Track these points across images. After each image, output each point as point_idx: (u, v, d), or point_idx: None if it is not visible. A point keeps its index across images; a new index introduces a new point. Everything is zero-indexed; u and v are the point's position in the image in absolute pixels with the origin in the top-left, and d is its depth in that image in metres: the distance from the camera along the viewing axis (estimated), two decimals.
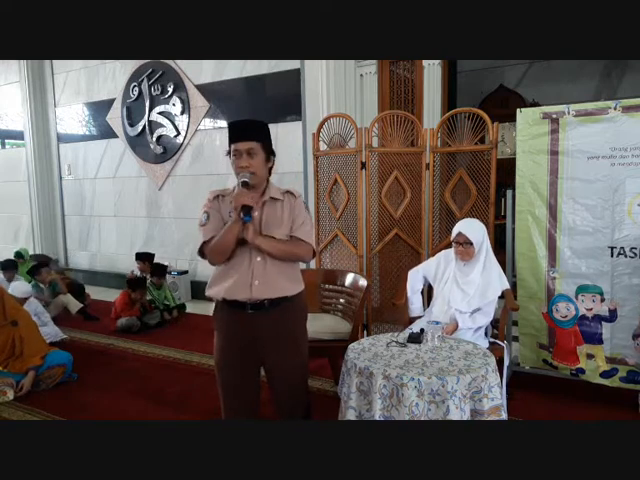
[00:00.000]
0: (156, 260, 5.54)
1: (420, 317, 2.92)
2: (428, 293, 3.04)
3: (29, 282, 4.82)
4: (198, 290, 5.76)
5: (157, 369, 3.76)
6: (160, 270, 5.19)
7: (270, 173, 2.08)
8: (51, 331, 4.14)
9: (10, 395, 3.20)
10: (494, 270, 2.77)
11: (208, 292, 2.07)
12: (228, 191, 2.07)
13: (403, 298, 2.98)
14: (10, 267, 5.23)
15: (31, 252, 6.74)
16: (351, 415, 2.09)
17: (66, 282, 5.49)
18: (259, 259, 1.98)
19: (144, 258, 5.46)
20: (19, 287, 4.07)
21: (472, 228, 2.78)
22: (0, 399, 3.17)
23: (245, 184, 1.93)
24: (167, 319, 4.94)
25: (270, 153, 2.02)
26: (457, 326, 2.67)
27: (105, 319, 4.90)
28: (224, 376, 2.11)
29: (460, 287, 2.77)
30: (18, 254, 5.97)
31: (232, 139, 1.98)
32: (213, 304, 2.12)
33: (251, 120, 2.08)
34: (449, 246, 2.98)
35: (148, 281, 5.06)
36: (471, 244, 2.73)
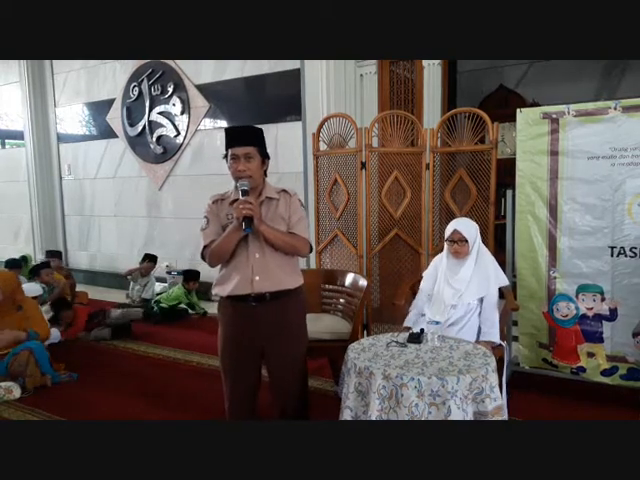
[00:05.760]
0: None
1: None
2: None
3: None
4: (198, 290, 5.74)
5: (157, 369, 3.76)
6: (192, 275, 5.21)
7: (265, 174, 2.19)
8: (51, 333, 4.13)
9: (16, 394, 3.21)
10: (489, 267, 2.77)
11: (214, 290, 2.21)
12: (227, 195, 2.19)
13: (403, 298, 2.98)
14: (14, 266, 5.24)
15: (31, 252, 6.74)
16: (347, 415, 2.09)
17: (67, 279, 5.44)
18: (257, 256, 2.10)
19: (146, 258, 5.58)
20: (29, 287, 4.14)
21: (467, 226, 2.79)
22: (5, 397, 3.17)
23: (245, 192, 2.04)
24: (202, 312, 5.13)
25: (265, 157, 2.14)
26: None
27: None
28: (226, 363, 2.23)
29: (450, 285, 2.77)
30: (23, 258, 6.00)
31: (230, 144, 2.10)
32: (215, 305, 2.17)
33: (248, 126, 2.26)
34: None
35: (182, 288, 5.11)
36: (466, 241, 2.73)
